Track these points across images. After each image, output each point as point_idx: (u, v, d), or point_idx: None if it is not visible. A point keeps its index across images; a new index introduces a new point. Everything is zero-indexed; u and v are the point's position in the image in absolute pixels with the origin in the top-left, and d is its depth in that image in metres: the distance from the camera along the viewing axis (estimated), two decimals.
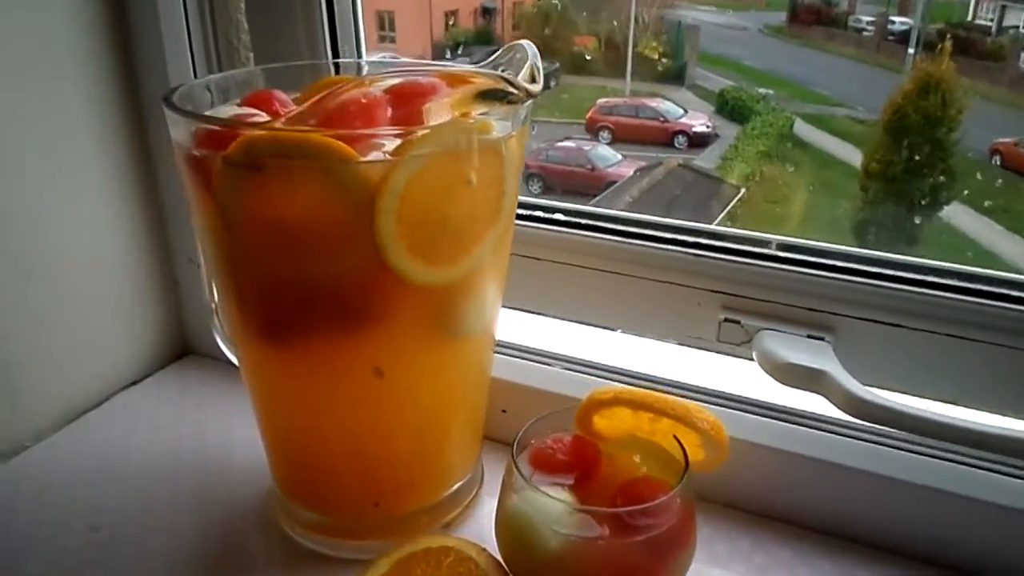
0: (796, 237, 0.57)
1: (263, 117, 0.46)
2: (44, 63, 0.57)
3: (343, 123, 0.42)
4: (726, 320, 0.57)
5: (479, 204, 0.44)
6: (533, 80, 0.42)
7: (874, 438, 0.53)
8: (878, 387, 0.51)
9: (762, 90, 3.30)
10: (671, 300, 0.59)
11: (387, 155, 0.40)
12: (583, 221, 0.61)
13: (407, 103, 0.43)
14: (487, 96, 0.40)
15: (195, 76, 0.61)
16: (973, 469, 0.51)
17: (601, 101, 3.16)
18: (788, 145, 3.09)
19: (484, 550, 0.46)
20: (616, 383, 0.58)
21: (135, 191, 0.65)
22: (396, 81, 0.47)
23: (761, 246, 0.57)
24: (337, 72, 0.57)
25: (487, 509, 0.54)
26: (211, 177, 0.41)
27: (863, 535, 0.51)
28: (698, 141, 3.21)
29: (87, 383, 0.65)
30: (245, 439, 0.61)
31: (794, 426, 0.55)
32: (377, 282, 0.42)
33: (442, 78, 0.44)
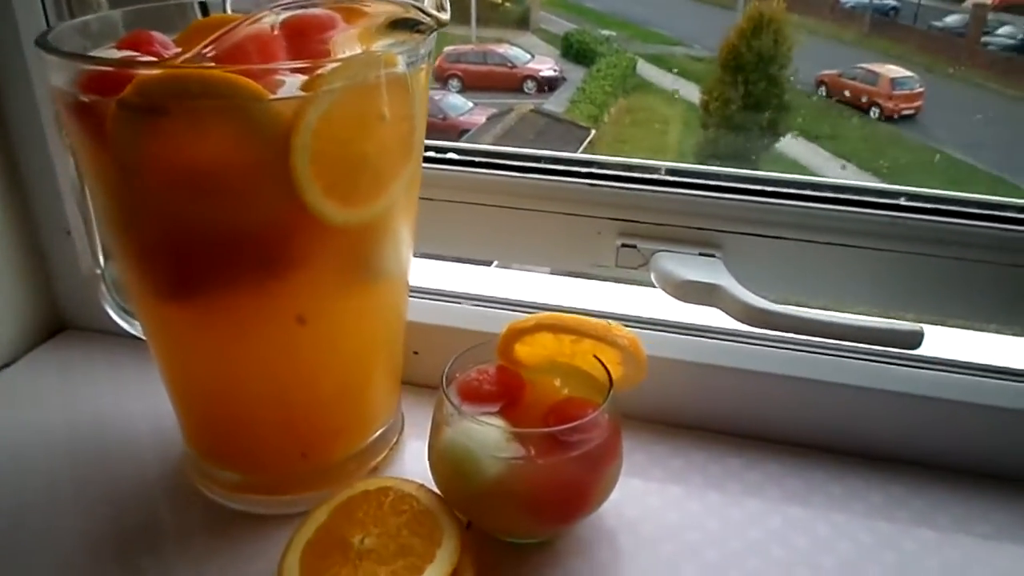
0: None
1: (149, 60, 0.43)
2: None
3: (242, 61, 0.40)
4: (623, 245, 0.60)
5: (392, 140, 0.43)
6: (441, 7, 0.42)
7: (769, 344, 0.57)
8: (766, 296, 0.55)
9: (605, 32, 3.37)
10: (570, 230, 0.61)
11: (298, 92, 0.38)
12: (478, 159, 0.61)
13: (306, 37, 0.42)
14: (396, 26, 0.40)
15: (47, 23, 0.56)
16: (855, 360, 0.56)
17: (448, 49, 3.14)
18: (632, 85, 3.19)
19: (422, 486, 0.46)
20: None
21: None
22: (290, 14, 0.46)
23: (651, 172, 0.60)
24: (204, 11, 0.54)
25: (412, 450, 0.54)
26: (103, 124, 0.39)
27: (769, 432, 0.56)
28: (546, 85, 3.26)
29: None
30: (144, 408, 0.58)
31: (701, 338, 0.58)
32: (295, 226, 0.41)
33: (339, 11, 0.42)
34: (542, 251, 0.62)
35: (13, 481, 0.52)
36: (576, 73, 3.25)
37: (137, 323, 0.52)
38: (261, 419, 0.47)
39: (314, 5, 0.43)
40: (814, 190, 0.57)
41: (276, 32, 0.41)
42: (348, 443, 0.50)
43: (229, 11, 0.52)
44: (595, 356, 0.48)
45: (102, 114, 0.38)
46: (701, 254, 0.58)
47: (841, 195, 0.57)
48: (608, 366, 0.48)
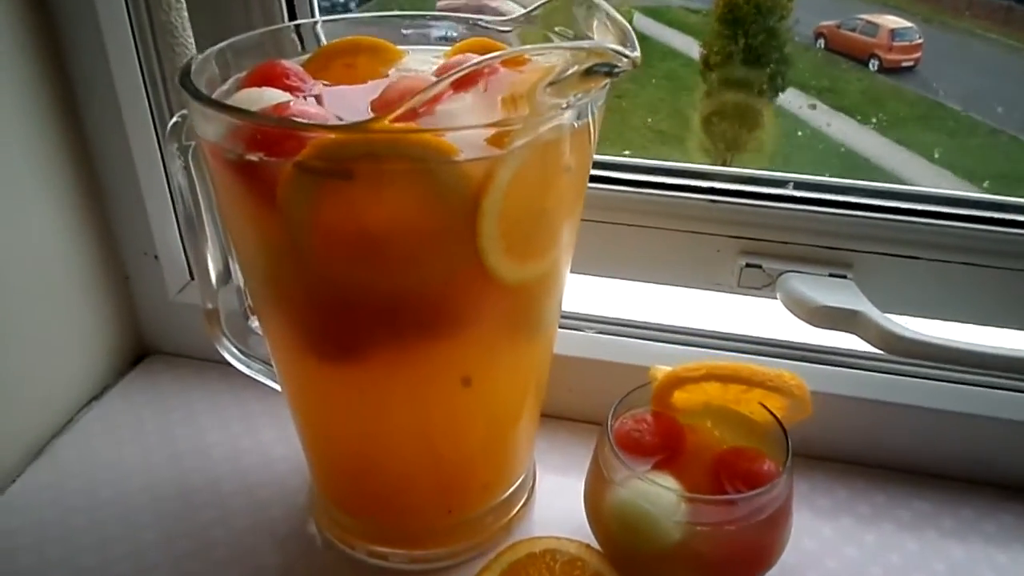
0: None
1: (288, 97, 0.39)
2: None
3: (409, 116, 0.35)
4: (747, 265, 0.56)
5: (570, 190, 0.39)
6: (630, 45, 0.37)
7: (920, 371, 0.54)
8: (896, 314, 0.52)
9: None
10: (688, 248, 0.57)
11: (488, 146, 0.34)
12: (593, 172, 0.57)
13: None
14: (592, 73, 0.35)
15: (132, 33, 0.51)
16: (1006, 393, 0.53)
17: (441, 3, 3.03)
18: None
19: (586, 546, 0.43)
20: (664, 343, 0.56)
21: (71, 186, 0.54)
22: (433, 60, 0.41)
23: (778, 187, 0.56)
24: (300, 36, 0.48)
25: (546, 492, 0.51)
26: (269, 184, 0.34)
27: (949, 470, 0.53)
28: None
29: (47, 407, 0.55)
30: (247, 437, 0.55)
31: (837, 368, 0.55)
32: (470, 287, 0.37)
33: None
34: (658, 269, 0.59)
35: (119, 533, 0.49)
36: None
37: (256, 365, 0.48)
38: (410, 477, 0.44)
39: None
40: (952, 206, 0.54)
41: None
42: (492, 495, 0.47)
43: (323, 38, 0.46)
44: (762, 404, 0.45)
45: (269, 174, 0.34)
46: (831, 275, 0.55)
47: (981, 212, 0.53)
48: (774, 411, 0.45)
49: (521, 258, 0.37)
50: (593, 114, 0.38)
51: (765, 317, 0.59)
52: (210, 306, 0.48)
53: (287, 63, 0.41)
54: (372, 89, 0.40)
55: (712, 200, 0.55)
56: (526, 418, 0.46)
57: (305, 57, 0.44)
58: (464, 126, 0.33)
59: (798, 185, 0.56)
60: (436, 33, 0.47)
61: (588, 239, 0.58)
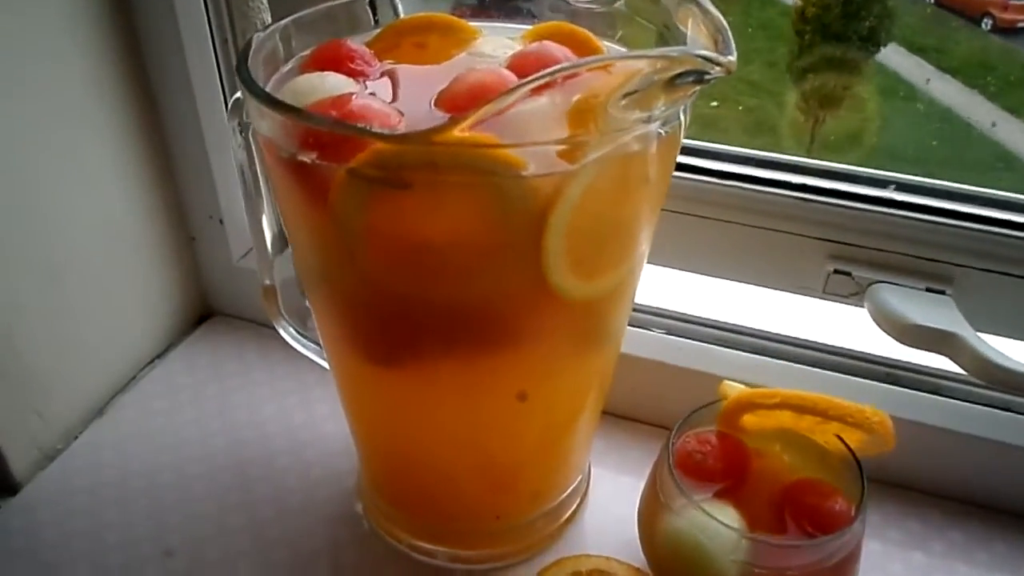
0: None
1: (350, 85, 0.36)
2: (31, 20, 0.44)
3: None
4: (836, 272, 0.51)
5: (649, 201, 0.35)
6: (724, 50, 0.33)
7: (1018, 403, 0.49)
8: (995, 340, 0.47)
9: None
10: (771, 248, 0.52)
11: (558, 159, 0.30)
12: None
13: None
14: (678, 80, 0.31)
15: (208, 17, 0.48)
16: None
17: None
18: None
19: (637, 570, 0.41)
20: (738, 349, 0.52)
21: (141, 149, 0.53)
22: (509, 44, 0.37)
23: (877, 187, 0.50)
24: (373, 8, 0.45)
25: (598, 503, 0.49)
26: (323, 186, 0.31)
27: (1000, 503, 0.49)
28: None
29: (111, 365, 0.55)
30: (301, 410, 0.54)
31: (925, 393, 0.50)
32: (530, 303, 0.34)
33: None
34: (737, 266, 0.54)
35: (175, 501, 0.48)
36: None
37: (312, 345, 0.47)
38: (458, 482, 0.42)
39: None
40: None
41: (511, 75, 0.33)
42: (543, 502, 0.45)
43: (400, 10, 0.43)
44: (839, 436, 0.41)
45: (322, 176, 0.31)
46: (928, 289, 0.50)
47: None
48: (849, 441, 0.41)
49: (589, 274, 0.34)
50: (681, 119, 0.34)
51: (849, 322, 0.54)
52: (267, 282, 0.46)
53: (352, 44, 0.38)
54: (440, 75, 0.37)
55: (802, 198, 0.50)
56: (583, 428, 0.43)
57: (374, 33, 0.40)
58: (534, 142, 0.29)
59: (900, 187, 0.50)
60: (515, 10, 0.43)
61: (663, 229, 0.54)
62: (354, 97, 0.33)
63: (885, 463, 0.45)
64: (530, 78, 0.28)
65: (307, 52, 0.39)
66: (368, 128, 0.29)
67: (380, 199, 0.30)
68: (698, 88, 0.32)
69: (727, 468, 0.41)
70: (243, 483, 0.49)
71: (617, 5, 0.40)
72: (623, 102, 0.29)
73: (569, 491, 0.46)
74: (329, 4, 0.41)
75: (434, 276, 0.33)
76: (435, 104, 0.34)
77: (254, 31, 0.51)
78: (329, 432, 0.52)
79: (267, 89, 0.36)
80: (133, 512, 0.47)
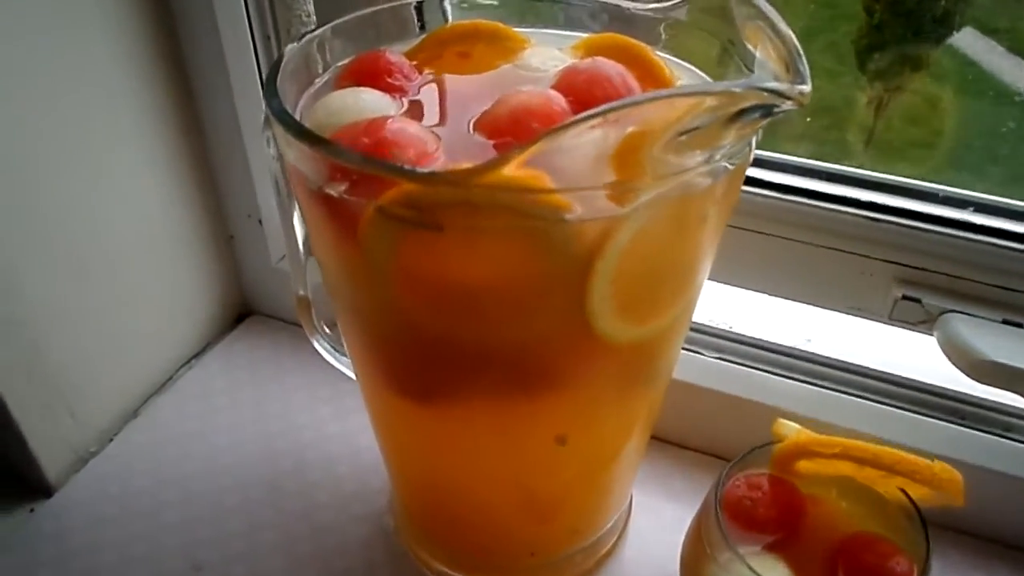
0: None
1: (386, 103, 0.33)
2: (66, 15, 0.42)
3: (523, 136, 0.29)
4: (904, 297, 0.47)
5: (706, 240, 0.32)
6: (790, 70, 0.29)
7: None
8: None
9: None
10: (835, 268, 0.49)
11: (607, 202, 0.27)
12: None
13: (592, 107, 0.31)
14: (742, 115, 0.27)
15: (249, 16, 0.46)
16: None
17: None
18: None
19: None
20: (794, 380, 0.49)
21: (179, 149, 0.51)
22: (559, 56, 0.34)
23: (955, 208, 0.46)
24: (420, 14, 0.42)
25: (638, 537, 0.46)
26: (353, 221, 0.29)
27: None
28: None
29: (146, 366, 0.54)
30: (335, 422, 0.52)
31: (989, 435, 0.46)
32: (571, 347, 0.31)
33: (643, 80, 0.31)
34: (797, 286, 0.51)
35: (207, 513, 0.47)
36: None
37: (345, 359, 0.44)
38: (491, 518, 0.40)
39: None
40: None
41: (563, 101, 0.30)
42: (580, 539, 0.42)
43: (450, 15, 0.40)
44: (903, 490, 0.37)
45: (350, 210, 0.29)
46: (1005, 321, 0.46)
47: None
48: (914, 495, 0.37)
49: (636, 319, 0.31)
50: (747, 152, 0.30)
51: (916, 350, 0.50)
52: (301, 293, 0.44)
53: (391, 56, 0.35)
54: (483, 91, 0.34)
55: (871, 217, 0.46)
56: (626, 466, 0.41)
57: (416, 41, 0.38)
58: (582, 187, 0.26)
59: (979, 208, 0.46)
60: (570, 14, 0.40)
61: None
62: (389, 121, 0.30)
63: (950, 508, 0.42)
64: (584, 116, 0.25)
65: (345, 62, 0.36)
66: (399, 167, 0.26)
67: (411, 239, 0.28)
68: (765, 122, 0.28)
69: (779, 517, 0.38)
70: (275, 498, 0.48)
71: (677, 13, 0.36)
72: (681, 139, 0.26)
73: (608, 526, 0.43)
74: (374, 9, 0.38)
75: (468, 318, 0.30)
76: (475, 127, 0.32)
77: (299, 25, 0.49)
78: (363, 445, 0.51)
79: (300, 104, 0.34)
80: (163, 524, 0.46)
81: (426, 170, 0.26)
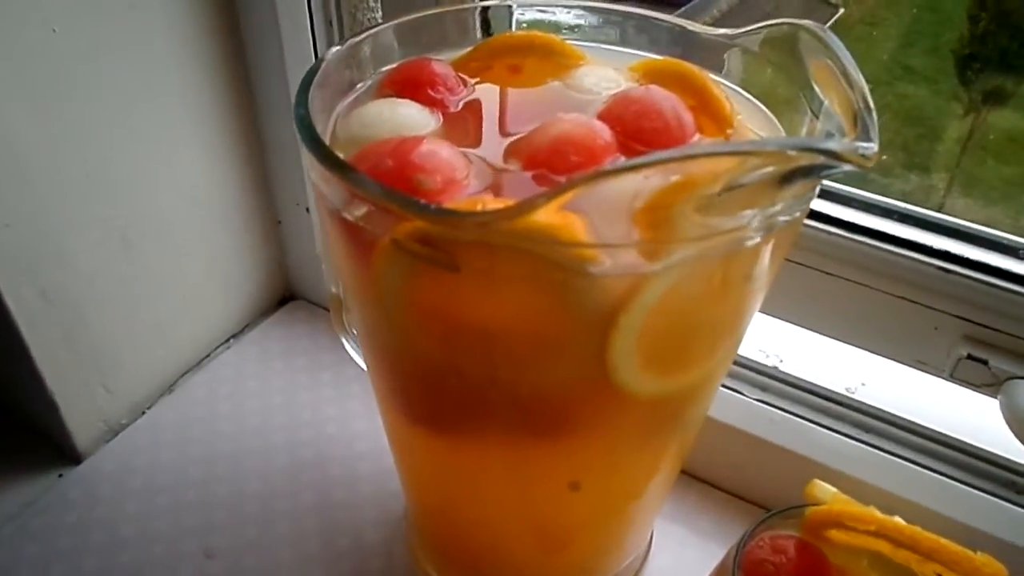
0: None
1: (425, 117, 0.31)
2: None
3: (560, 169, 0.27)
4: (969, 357, 0.43)
5: (748, 298, 0.29)
6: (856, 124, 0.26)
7: None
8: None
9: None
10: (897, 316, 0.45)
11: (637, 257, 0.25)
12: None
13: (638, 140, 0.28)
14: (797, 175, 0.24)
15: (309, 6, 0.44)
16: None
17: None
18: None
19: None
20: (836, 431, 0.46)
21: (233, 131, 0.50)
22: (613, 78, 0.32)
23: None
24: (485, 21, 0.39)
25: (657, 572, 0.44)
26: (367, 247, 0.27)
27: None
28: None
29: (185, 343, 0.54)
30: (362, 420, 0.52)
31: None
32: (591, 396, 0.29)
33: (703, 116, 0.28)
34: (852, 329, 0.47)
35: (225, 498, 0.47)
36: None
37: None
38: (501, 551, 0.38)
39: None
40: None
41: (609, 134, 0.28)
42: None
43: (514, 25, 0.38)
44: None
45: (366, 236, 0.27)
46: None
47: None
48: None
49: (663, 374, 0.29)
50: (802, 211, 0.27)
51: (975, 411, 0.46)
52: (334, 290, 0.42)
53: (437, 66, 0.33)
54: (530, 110, 0.32)
55: (943, 268, 0.43)
56: (644, 512, 0.39)
57: (467, 50, 0.35)
58: (609, 243, 0.24)
59: None
60: (631, 30, 0.37)
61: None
62: (420, 143, 0.28)
63: None
64: (625, 165, 0.22)
65: (391, 67, 0.34)
66: (414, 202, 0.24)
67: (425, 275, 0.26)
68: (821, 182, 0.25)
69: None
70: (293, 489, 0.47)
71: (747, 41, 0.33)
72: (723, 197, 0.24)
73: (624, 565, 0.41)
74: (438, 10, 0.36)
75: (480, 358, 0.28)
76: (512, 153, 0.29)
77: (364, 11, 0.48)
78: (386, 446, 0.49)
79: (337, 112, 0.32)
80: (183, 502, 0.46)
81: (441, 208, 0.24)
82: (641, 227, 0.24)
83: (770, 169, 0.23)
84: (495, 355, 0.28)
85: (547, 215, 0.23)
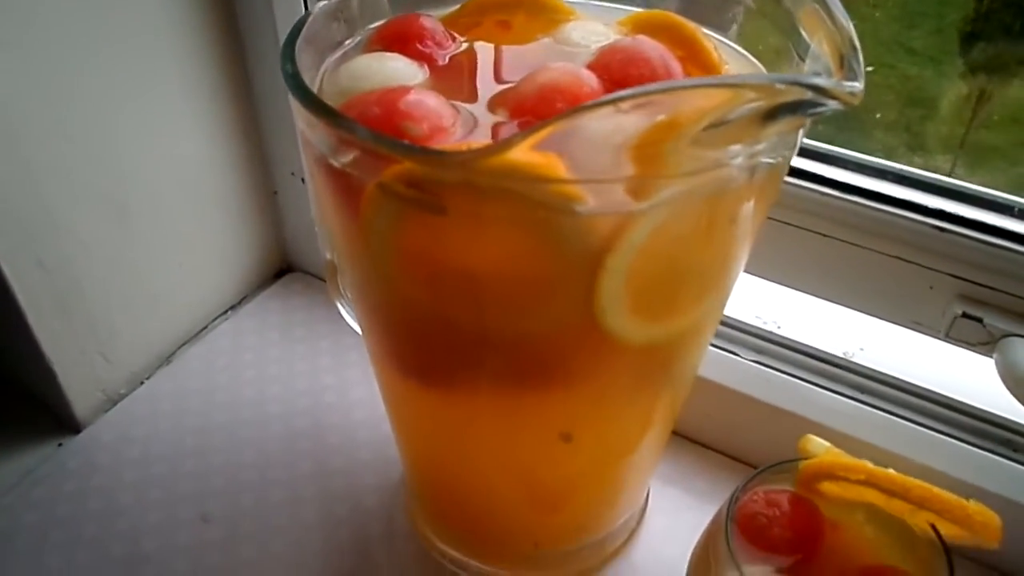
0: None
1: (412, 70, 0.31)
2: None
3: (547, 116, 0.27)
4: (964, 315, 0.43)
5: (737, 242, 0.29)
6: (843, 64, 0.26)
7: None
8: None
9: None
10: (892, 277, 0.45)
11: (623, 195, 0.25)
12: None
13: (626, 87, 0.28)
14: (779, 113, 0.24)
15: None
16: None
17: None
18: None
19: None
20: (832, 390, 0.46)
21: (227, 101, 0.50)
22: (602, 31, 0.32)
23: None
24: None
25: (651, 537, 0.44)
26: (355, 195, 0.27)
27: None
28: None
29: (182, 314, 0.54)
30: (361, 387, 0.52)
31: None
32: (580, 342, 0.29)
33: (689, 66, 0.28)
34: (847, 291, 0.47)
35: (221, 466, 0.47)
36: None
37: None
38: (495, 508, 0.38)
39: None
40: None
41: (597, 81, 0.28)
42: (587, 535, 0.40)
43: None
44: (932, 526, 0.34)
45: (353, 183, 0.27)
46: None
47: None
48: (945, 532, 0.34)
49: (652, 319, 0.29)
50: (789, 150, 0.27)
51: (970, 370, 0.46)
52: (329, 256, 0.43)
53: (427, 20, 0.33)
54: (518, 64, 0.32)
55: (938, 227, 0.42)
56: (638, 467, 0.39)
57: (457, 7, 0.35)
58: (596, 179, 0.24)
59: None
60: None
61: (764, 236, 0.47)
62: (410, 92, 0.28)
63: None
64: (603, 100, 0.22)
65: (380, 23, 0.34)
66: (399, 142, 0.24)
67: (412, 219, 0.26)
68: (807, 122, 0.25)
69: (796, 539, 0.35)
70: (290, 458, 0.47)
71: None
72: (711, 132, 0.23)
73: (619, 524, 0.41)
74: None
75: (468, 304, 0.28)
76: (499, 103, 0.29)
77: None
78: (383, 414, 0.49)
79: (324, 68, 0.32)
80: (180, 471, 0.47)
81: (426, 148, 0.24)
82: (635, 162, 0.24)
83: (757, 104, 0.23)
84: (483, 301, 0.28)
85: (528, 153, 0.23)
